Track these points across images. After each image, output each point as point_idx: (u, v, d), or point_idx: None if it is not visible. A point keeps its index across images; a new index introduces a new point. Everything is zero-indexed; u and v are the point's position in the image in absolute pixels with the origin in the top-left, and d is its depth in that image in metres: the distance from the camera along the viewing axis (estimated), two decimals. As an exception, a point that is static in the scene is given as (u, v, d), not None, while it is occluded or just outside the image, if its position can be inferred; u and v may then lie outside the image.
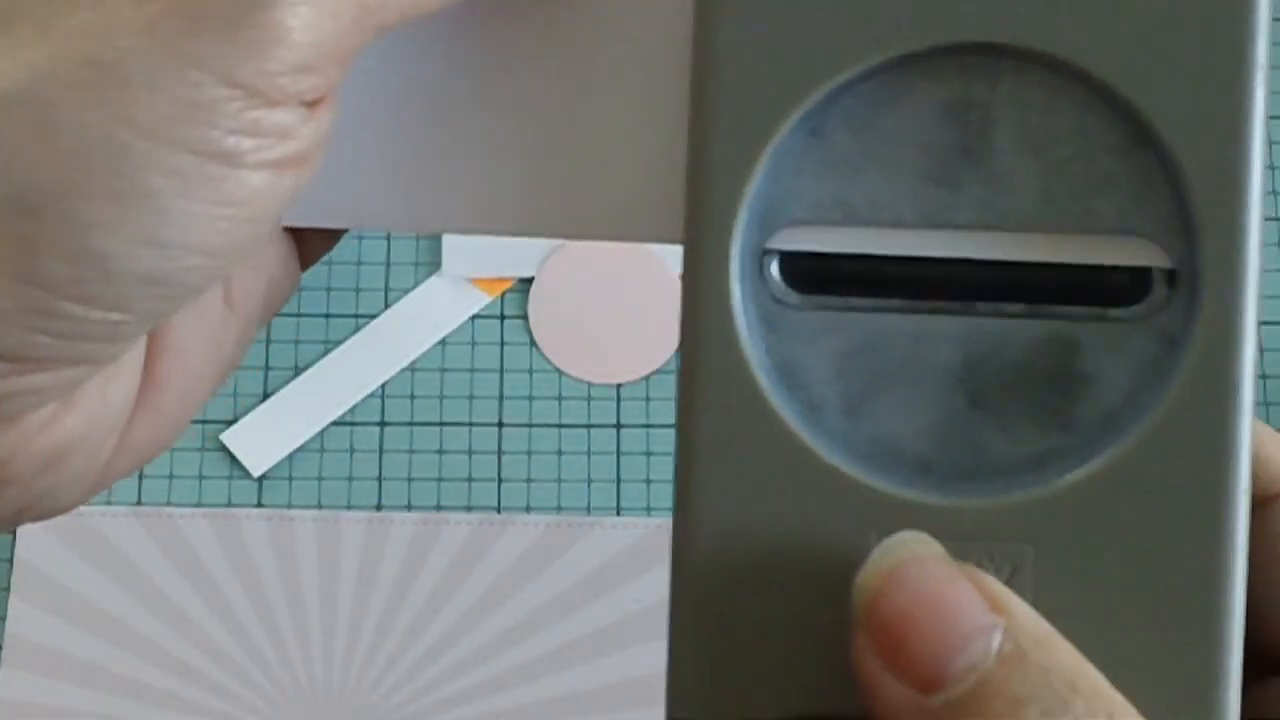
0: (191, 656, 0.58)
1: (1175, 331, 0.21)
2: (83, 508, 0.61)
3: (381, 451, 0.61)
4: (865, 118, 0.22)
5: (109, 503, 0.60)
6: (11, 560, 0.59)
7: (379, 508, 0.60)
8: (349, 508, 0.60)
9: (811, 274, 0.22)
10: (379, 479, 0.61)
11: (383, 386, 0.62)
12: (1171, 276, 0.21)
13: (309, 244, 0.26)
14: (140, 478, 0.61)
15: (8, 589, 0.59)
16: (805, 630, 0.21)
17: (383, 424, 0.61)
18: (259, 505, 0.60)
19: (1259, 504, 0.23)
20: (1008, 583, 0.20)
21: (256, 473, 0.60)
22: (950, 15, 0.21)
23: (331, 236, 0.26)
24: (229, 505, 0.60)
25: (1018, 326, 0.22)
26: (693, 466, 0.21)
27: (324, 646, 0.58)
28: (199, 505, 0.60)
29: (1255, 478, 0.22)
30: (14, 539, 0.59)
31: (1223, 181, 0.21)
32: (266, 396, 0.61)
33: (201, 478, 0.61)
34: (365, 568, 0.59)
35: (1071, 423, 0.21)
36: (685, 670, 0.21)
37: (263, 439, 0.61)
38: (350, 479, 0.61)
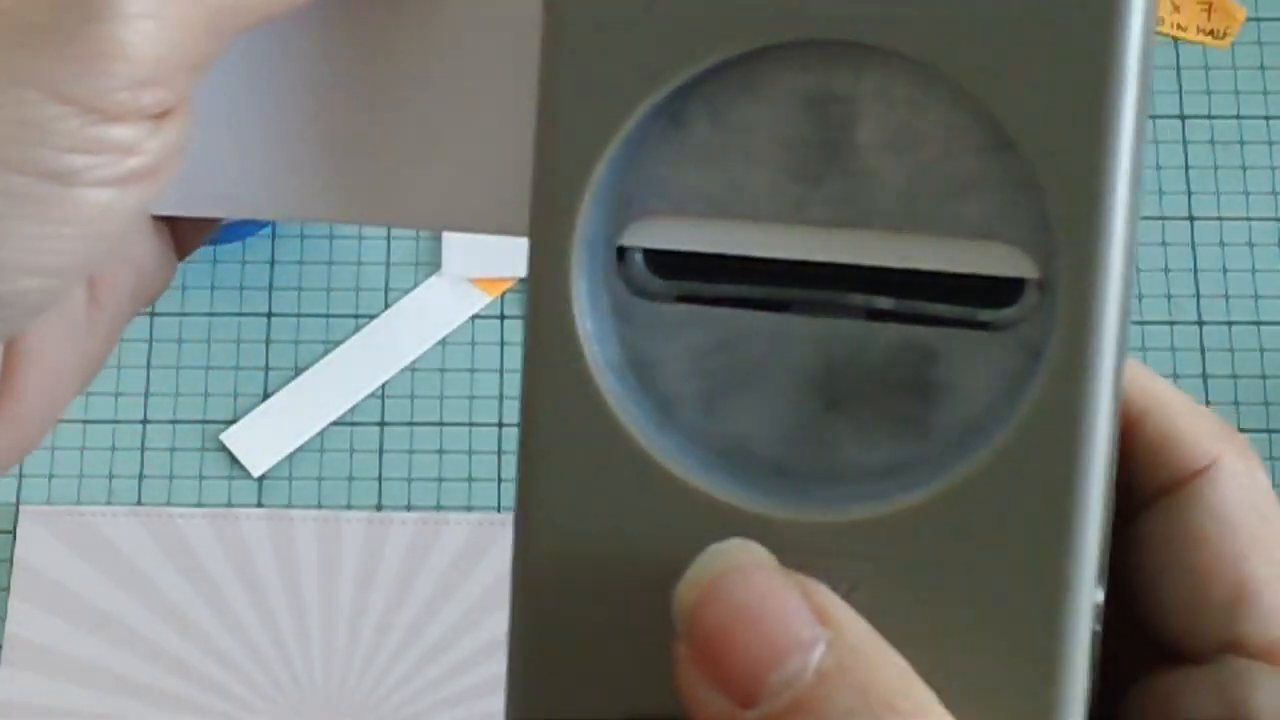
0: (191, 656, 0.58)
1: (1037, 343, 0.20)
2: (83, 507, 0.61)
3: (381, 451, 0.61)
4: (728, 107, 0.21)
5: (109, 503, 0.60)
6: (11, 560, 0.59)
7: (379, 508, 0.60)
8: (349, 508, 0.60)
9: (668, 267, 0.21)
10: (379, 479, 0.61)
11: (383, 386, 0.61)
12: (1036, 285, 0.20)
13: (184, 232, 0.25)
14: (140, 478, 0.61)
15: (7, 589, 0.59)
16: (639, 638, 0.20)
17: (383, 424, 0.61)
18: (259, 505, 0.60)
19: (1172, 486, 0.22)
20: (844, 600, 0.19)
21: (256, 473, 0.60)
22: (812, 11, 0.20)
23: (209, 223, 0.26)
24: (229, 505, 0.60)
25: (879, 331, 0.21)
26: (530, 470, 0.21)
27: (324, 646, 0.58)
28: (199, 505, 0.60)
29: (1168, 458, 0.22)
30: (14, 539, 0.59)
31: (1082, 191, 0.19)
32: (266, 396, 0.61)
33: (201, 478, 0.61)
34: (365, 568, 0.59)
35: (927, 432, 0.21)
36: (523, 675, 0.21)
37: (263, 439, 0.61)
38: (350, 479, 0.61)
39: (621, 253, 0.21)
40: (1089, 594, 0.20)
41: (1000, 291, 0.21)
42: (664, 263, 0.21)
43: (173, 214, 0.24)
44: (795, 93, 0.21)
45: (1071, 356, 0.20)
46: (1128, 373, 0.21)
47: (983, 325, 0.21)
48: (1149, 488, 0.22)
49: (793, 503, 0.20)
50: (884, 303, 0.21)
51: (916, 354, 0.21)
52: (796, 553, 0.19)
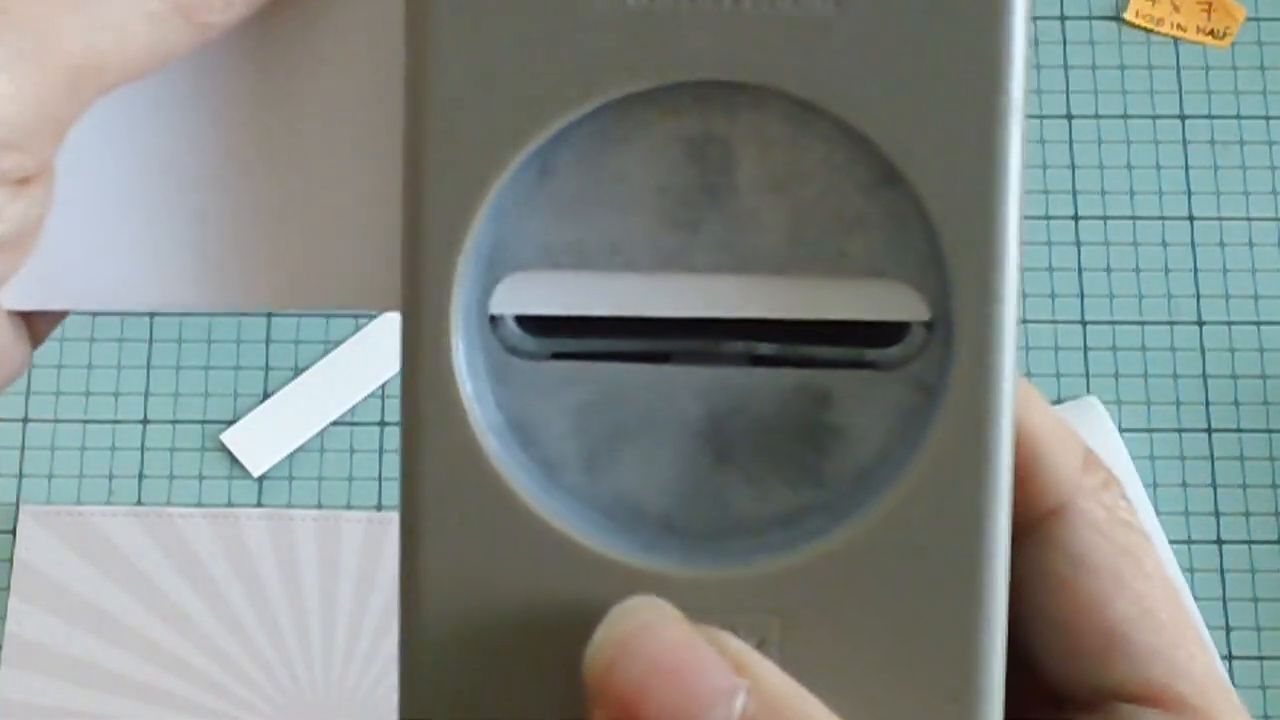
0: (191, 656, 0.58)
1: (931, 381, 0.20)
2: (83, 507, 0.61)
3: (381, 451, 0.61)
4: (599, 155, 0.20)
5: (109, 503, 0.60)
6: (11, 560, 0.59)
7: (379, 508, 0.60)
8: (349, 508, 0.60)
9: (542, 324, 0.21)
10: (379, 479, 0.61)
11: (383, 386, 0.61)
12: (926, 324, 0.20)
13: (38, 321, 0.24)
14: (140, 478, 0.61)
15: (7, 589, 0.59)
16: (539, 706, 0.20)
17: (383, 424, 0.61)
18: (259, 505, 0.60)
19: (1042, 518, 0.21)
20: None
21: (256, 473, 0.60)
22: (683, 51, 0.19)
23: (61, 313, 0.24)
24: (229, 505, 0.60)
25: (765, 377, 0.20)
26: (417, 541, 0.20)
27: (324, 646, 0.58)
28: (199, 505, 0.60)
29: (1040, 488, 0.21)
30: (14, 539, 0.59)
31: (974, 227, 0.19)
32: (266, 396, 0.61)
33: (201, 478, 0.61)
34: (365, 568, 0.59)
35: (823, 479, 0.20)
36: None
37: (263, 439, 0.61)
38: (350, 479, 0.61)
39: (493, 315, 0.20)
40: (1002, 631, 0.19)
41: (887, 330, 0.20)
42: (537, 321, 0.21)
43: (24, 309, 0.23)
44: (670, 137, 0.20)
45: (973, 393, 0.19)
46: None
47: (870, 365, 0.20)
48: (1013, 522, 0.22)
49: (691, 559, 0.20)
50: (768, 349, 0.20)
51: (806, 398, 0.20)
52: (698, 611, 0.19)
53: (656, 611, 0.19)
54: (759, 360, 0.20)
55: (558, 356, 0.21)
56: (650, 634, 0.18)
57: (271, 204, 0.22)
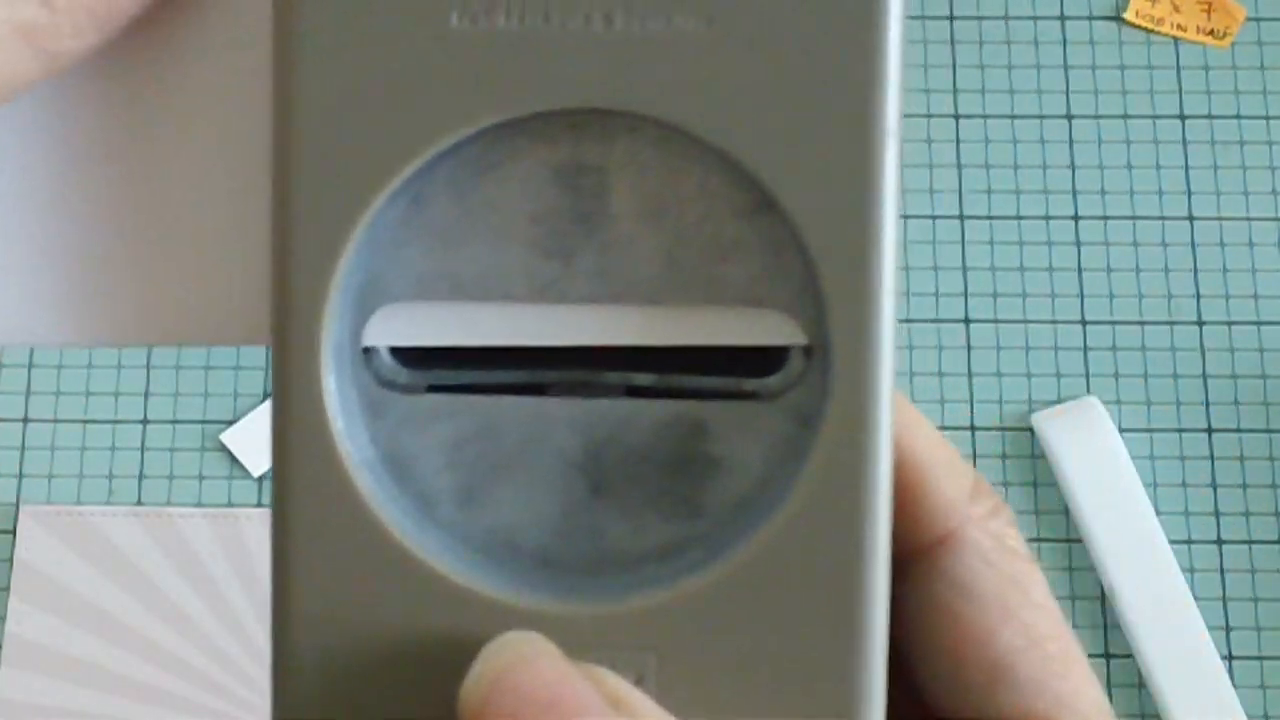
0: (191, 656, 0.58)
1: (809, 411, 0.19)
2: (83, 507, 0.61)
3: (381, 451, 0.61)
4: (470, 183, 0.20)
5: (109, 502, 0.60)
6: (11, 560, 0.59)
7: (379, 508, 0.60)
8: (349, 508, 0.60)
9: (416, 357, 0.20)
10: (379, 479, 0.61)
11: (383, 386, 0.61)
12: (802, 350, 0.20)
13: None
14: (140, 478, 0.61)
15: (7, 589, 0.59)
16: None
17: (383, 424, 0.61)
18: (259, 505, 0.60)
19: (928, 547, 0.21)
20: None
21: (256, 472, 0.60)
22: (553, 77, 0.19)
23: None
24: (229, 505, 0.60)
25: (641, 408, 0.20)
26: (288, 578, 0.19)
27: (324, 646, 0.58)
28: (199, 505, 0.60)
29: (927, 516, 0.21)
30: (14, 538, 0.59)
31: (849, 254, 0.19)
32: (266, 396, 0.61)
33: (201, 478, 0.61)
34: (365, 568, 0.59)
35: (700, 511, 0.20)
36: None
37: (263, 439, 0.61)
38: (350, 479, 0.61)
39: (366, 347, 0.20)
40: (882, 664, 0.19)
41: (765, 359, 0.20)
42: (412, 351, 0.20)
43: None
44: (542, 165, 0.20)
45: (849, 422, 0.19)
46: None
47: (749, 395, 0.20)
48: (896, 548, 0.21)
49: (567, 595, 0.19)
50: (644, 379, 0.20)
51: (683, 430, 0.20)
52: (575, 647, 0.19)
53: (531, 646, 0.18)
54: (636, 391, 0.20)
55: (434, 389, 0.20)
56: (525, 669, 0.18)
57: (136, 238, 0.22)
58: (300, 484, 0.19)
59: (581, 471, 0.20)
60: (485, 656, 0.18)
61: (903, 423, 0.21)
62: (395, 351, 0.20)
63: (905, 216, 0.64)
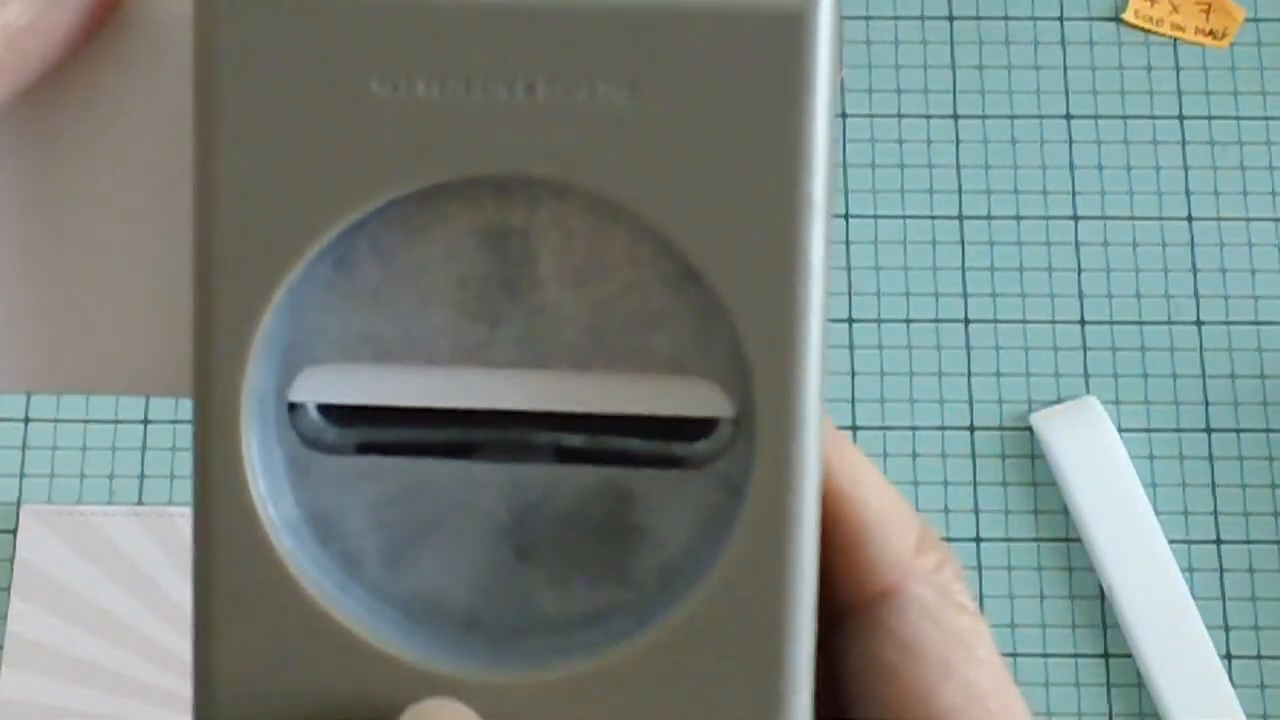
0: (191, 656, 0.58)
1: (737, 479, 0.19)
2: (83, 507, 0.61)
3: (382, 451, 0.61)
4: (395, 247, 0.19)
5: (110, 502, 0.60)
6: (12, 559, 0.59)
7: (379, 507, 0.60)
8: (349, 507, 0.60)
9: (343, 416, 0.20)
10: (379, 479, 0.61)
11: (383, 386, 0.61)
12: (733, 421, 0.19)
13: None
14: (141, 477, 0.61)
15: (8, 588, 0.59)
16: None
17: (383, 424, 0.61)
18: (259, 505, 0.60)
19: (870, 601, 0.21)
20: None
21: (257, 472, 0.60)
22: (476, 144, 0.19)
23: None
24: (230, 505, 0.60)
25: (569, 474, 0.20)
26: (207, 642, 0.19)
27: (324, 646, 0.58)
28: (200, 505, 0.60)
29: (869, 570, 0.21)
30: (15, 538, 0.59)
31: (773, 325, 0.19)
32: (267, 396, 0.61)
33: (202, 477, 0.61)
34: (366, 567, 0.59)
35: (627, 578, 0.20)
36: None
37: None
38: (351, 479, 0.61)
39: (292, 405, 0.20)
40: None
41: (694, 425, 0.20)
42: (338, 412, 0.20)
43: None
44: (468, 229, 0.19)
45: (774, 492, 0.19)
46: (839, 457, 0.20)
47: (677, 462, 0.20)
48: (838, 601, 0.21)
49: (490, 663, 0.19)
50: (572, 441, 0.20)
51: (610, 496, 0.20)
52: (498, 717, 0.18)
53: (452, 713, 0.18)
54: (564, 456, 0.20)
55: (361, 449, 0.20)
56: None
57: (53, 285, 0.21)
58: (220, 546, 0.19)
59: (508, 536, 0.20)
60: None
61: (849, 474, 0.21)
62: (322, 410, 0.20)
63: (906, 217, 0.64)
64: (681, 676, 0.19)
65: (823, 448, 0.19)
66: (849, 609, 0.21)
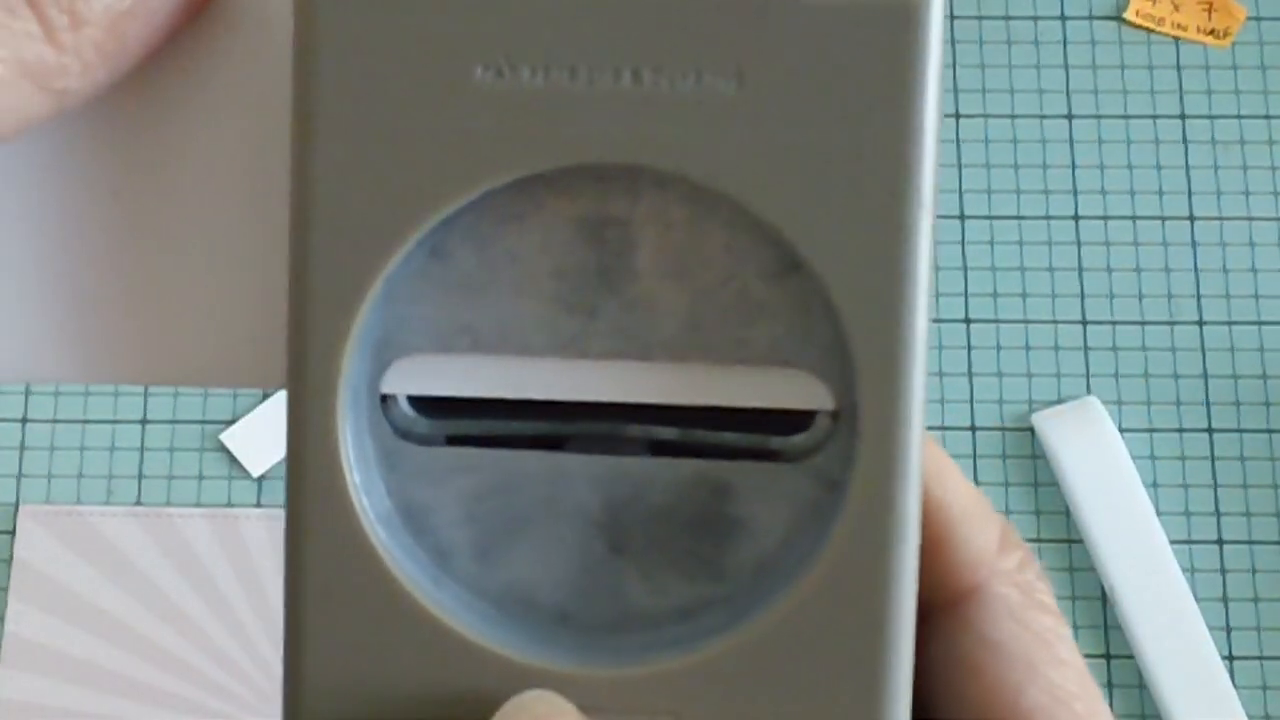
0: (191, 656, 0.58)
1: (835, 474, 0.19)
2: (81, 507, 0.61)
3: (381, 451, 0.61)
4: (491, 237, 0.19)
5: (108, 503, 0.60)
6: (10, 560, 0.59)
7: (378, 508, 0.60)
8: (348, 508, 0.60)
9: (435, 407, 0.20)
10: (379, 479, 0.61)
11: (382, 386, 0.61)
12: (831, 414, 0.19)
13: None
14: (140, 478, 0.61)
15: (6, 589, 0.59)
16: None
17: (382, 424, 0.61)
18: (259, 505, 0.60)
19: (955, 600, 0.21)
20: None
21: (256, 473, 0.60)
22: (577, 133, 0.18)
23: None
24: (229, 505, 0.60)
25: (663, 467, 0.19)
26: (303, 632, 0.19)
27: (323, 647, 0.58)
28: (198, 505, 0.60)
29: (954, 569, 0.21)
30: (13, 538, 0.59)
31: (879, 318, 0.18)
32: (266, 396, 0.61)
33: (201, 478, 0.61)
34: (365, 568, 0.59)
35: (723, 572, 0.19)
36: None
37: (263, 439, 0.61)
38: (350, 479, 0.61)
39: (385, 396, 0.20)
40: None
41: (791, 419, 0.19)
42: (430, 403, 0.20)
43: None
44: (566, 219, 0.19)
45: (875, 490, 0.18)
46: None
47: (774, 455, 0.19)
48: (923, 598, 0.21)
49: (585, 656, 0.19)
50: (667, 433, 0.20)
51: (705, 489, 0.19)
52: (593, 709, 0.18)
53: (550, 706, 0.18)
54: (658, 449, 0.20)
55: (452, 441, 0.20)
56: None
57: (145, 276, 0.21)
58: (315, 539, 0.19)
59: (601, 529, 0.20)
60: (504, 715, 0.18)
61: (933, 472, 0.20)
62: (413, 401, 0.20)
63: (905, 216, 0.64)
64: (778, 674, 0.19)
65: (923, 445, 0.19)
66: (933, 607, 0.21)
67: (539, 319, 0.19)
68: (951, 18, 0.66)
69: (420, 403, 0.20)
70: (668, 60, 0.18)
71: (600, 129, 0.18)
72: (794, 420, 0.19)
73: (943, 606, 0.21)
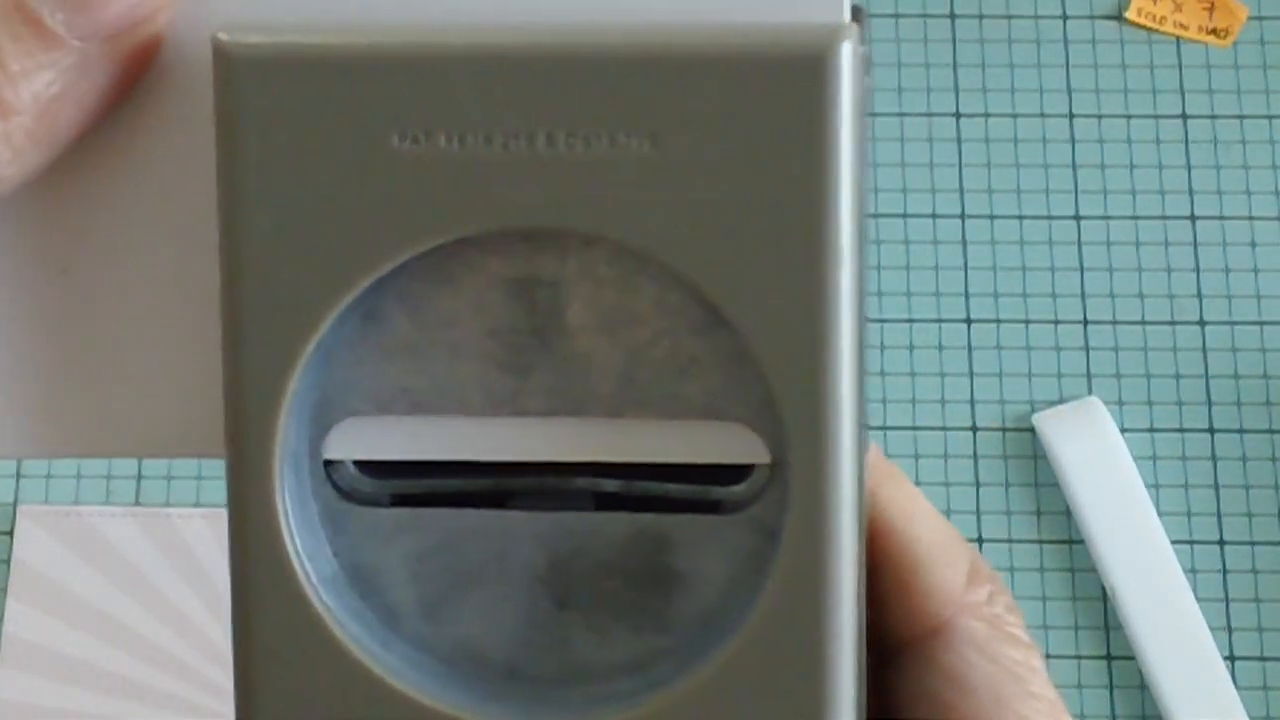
0: (190, 656, 0.58)
1: (774, 523, 0.19)
2: (81, 507, 0.61)
3: (381, 451, 0.61)
4: (424, 299, 0.19)
5: (107, 503, 0.60)
6: (9, 560, 0.59)
7: (378, 508, 0.60)
8: (348, 508, 0.60)
9: (381, 469, 0.20)
10: (378, 479, 0.61)
11: (382, 386, 0.61)
12: (769, 466, 0.19)
13: None
14: (139, 478, 0.61)
15: (5, 589, 0.59)
16: None
17: (382, 424, 0.61)
18: (258, 505, 0.60)
19: (922, 637, 0.21)
20: None
21: (255, 473, 0.60)
22: (498, 197, 0.19)
23: None
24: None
25: (606, 521, 0.20)
26: (249, 699, 0.19)
27: (323, 647, 0.58)
28: (197, 505, 0.60)
29: (920, 605, 0.21)
30: (11, 539, 0.59)
31: (802, 370, 0.18)
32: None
33: (200, 478, 0.61)
34: (364, 568, 0.59)
35: (666, 625, 0.20)
36: None
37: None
38: (349, 479, 0.61)
39: (329, 460, 0.20)
40: None
41: (730, 471, 0.20)
42: (375, 464, 0.20)
43: None
44: (497, 280, 0.19)
45: (809, 537, 0.19)
46: (890, 491, 0.20)
47: (714, 506, 0.20)
48: (891, 635, 0.21)
49: (532, 712, 0.19)
50: (609, 486, 0.20)
51: (647, 543, 0.20)
52: None
53: None
54: (601, 503, 0.20)
55: (397, 501, 0.20)
56: None
57: (89, 351, 0.21)
58: (258, 606, 0.19)
59: (546, 584, 0.20)
60: None
61: (901, 508, 0.20)
62: (358, 463, 0.20)
63: (907, 216, 0.64)
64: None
65: (864, 488, 0.19)
66: (901, 644, 0.21)
67: (475, 379, 0.20)
68: (952, 17, 0.66)
69: (364, 464, 0.20)
70: (582, 123, 0.18)
71: (518, 193, 0.19)
72: (732, 471, 0.20)
73: (911, 644, 0.21)
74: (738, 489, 0.20)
